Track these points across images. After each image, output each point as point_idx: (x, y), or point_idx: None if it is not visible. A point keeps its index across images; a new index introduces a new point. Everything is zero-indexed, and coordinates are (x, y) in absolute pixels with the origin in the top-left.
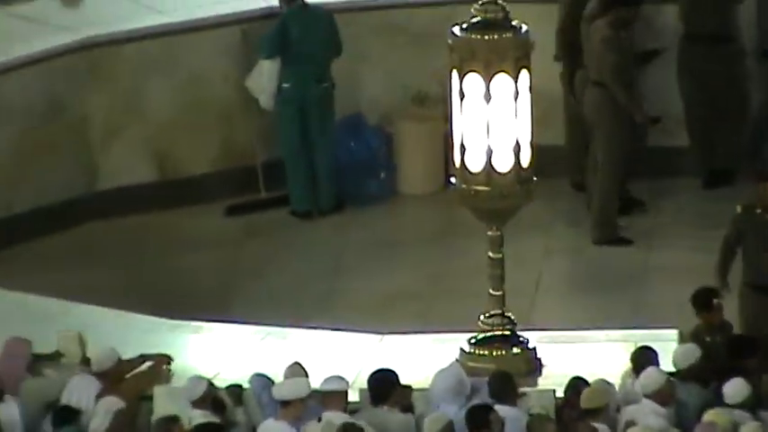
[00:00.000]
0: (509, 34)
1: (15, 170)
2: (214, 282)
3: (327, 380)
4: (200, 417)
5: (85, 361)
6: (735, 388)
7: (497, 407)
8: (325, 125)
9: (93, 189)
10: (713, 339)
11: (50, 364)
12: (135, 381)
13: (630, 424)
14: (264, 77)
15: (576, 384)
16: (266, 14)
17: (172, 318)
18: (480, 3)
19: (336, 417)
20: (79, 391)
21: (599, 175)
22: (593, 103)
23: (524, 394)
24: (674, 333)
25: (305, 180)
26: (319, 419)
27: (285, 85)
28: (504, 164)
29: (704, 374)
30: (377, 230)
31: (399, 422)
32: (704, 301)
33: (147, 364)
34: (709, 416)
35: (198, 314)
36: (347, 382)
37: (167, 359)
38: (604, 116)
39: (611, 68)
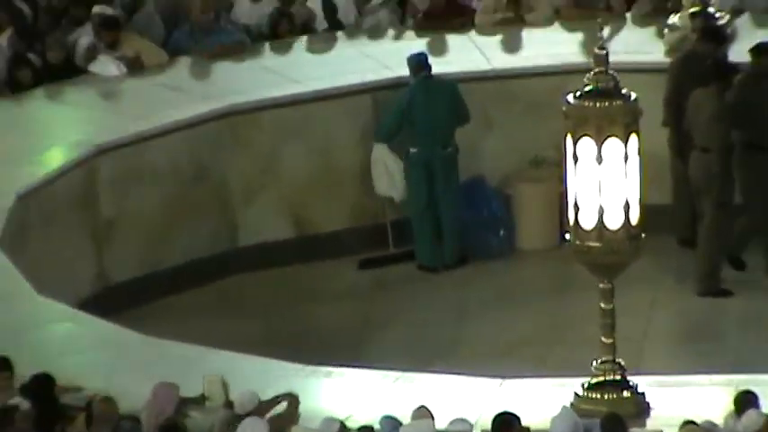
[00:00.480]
0: (619, 102)
1: (164, 229)
2: (346, 330)
3: (453, 422)
4: None
5: (228, 404)
6: None
7: None
8: (449, 186)
9: (236, 245)
10: None
11: (196, 406)
12: (275, 422)
13: None
14: (385, 168)
15: (687, 426)
16: (395, 83)
17: (307, 363)
18: (593, 72)
19: None
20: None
21: (704, 232)
22: (699, 168)
23: None
24: None
25: (430, 237)
26: None
27: (413, 150)
28: (614, 221)
29: None
30: (497, 283)
31: None
32: None
33: (283, 404)
34: None
35: (331, 360)
36: (471, 424)
37: (297, 400)
38: (713, 179)
39: (718, 137)
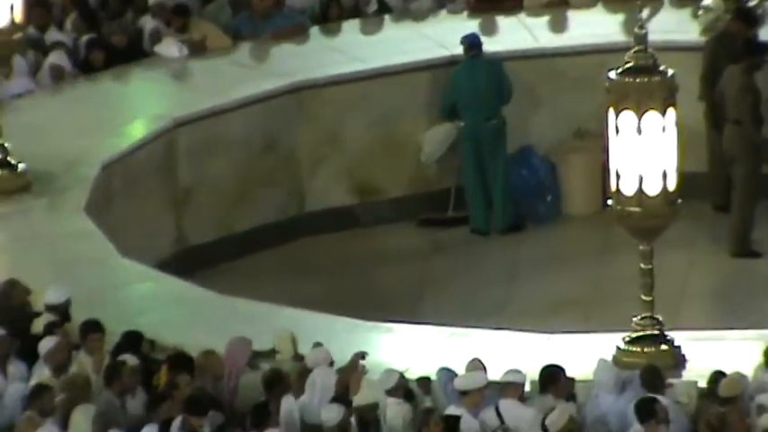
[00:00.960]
0: (657, 78)
1: (237, 195)
2: (405, 289)
3: (506, 373)
4: (393, 404)
5: (297, 357)
6: None
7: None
8: (497, 157)
9: (303, 211)
10: None
11: (267, 360)
12: (341, 374)
13: (762, 410)
14: (436, 140)
15: (717, 377)
16: (450, 62)
17: (369, 320)
18: (633, 51)
19: (511, 405)
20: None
21: (737, 198)
22: (732, 138)
23: (671, 385)
24: None
25: (482, 203)
26: (496, 408)
27: (462, 124)
28: (653, 188)
29: None
30: (545, 246)
31: (563, 408)
32: None
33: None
34: None
35: (392, 317)
36: (523, 375)
37: (362, 354)
38: (742, 149)
39: (748, 109)
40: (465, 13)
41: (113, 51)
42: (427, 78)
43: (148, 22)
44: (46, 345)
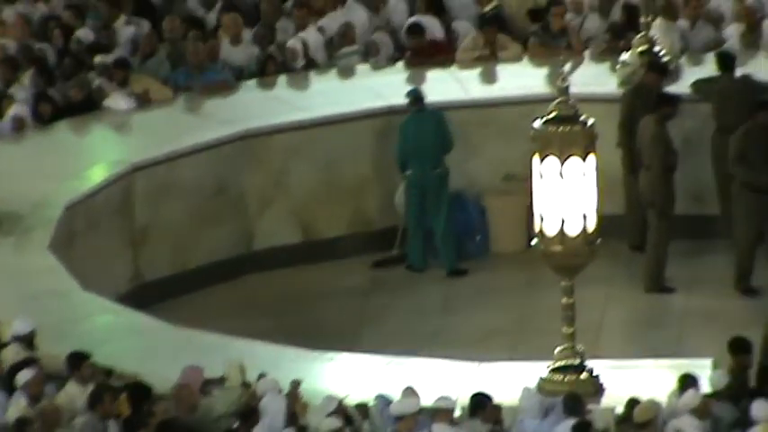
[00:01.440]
0: (578, 126)
1: (190, 235)
2: (347, 322)
3: (438, 399)
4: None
5: (245, 385)
6: (761, 407)
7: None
8: (440, 202)
9: (251, 249)
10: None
11: (217, 386)
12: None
13: None
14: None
15: (632, 403)
16: (388, 111)
17: (312, 350)
18: (556, 102)
19: (442, 429)
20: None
21: (651, 238)
22: (646, 184)
23: (590, 411)
24: (709, 362)
25: (420, 243)
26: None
27: (408, 173)
28: (574, 229)
29: (735, 395)
30: (475, 281)
31: None
32: (739, 347)
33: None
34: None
35: (333, 347)
36: (453, 401)
37: (298, 382)
38: (656, 193)
39: (659, 157)
40: (399, 66)
41: (71, 105)
42: (367, 126)
43: (95, 80)
44: (23, 377)
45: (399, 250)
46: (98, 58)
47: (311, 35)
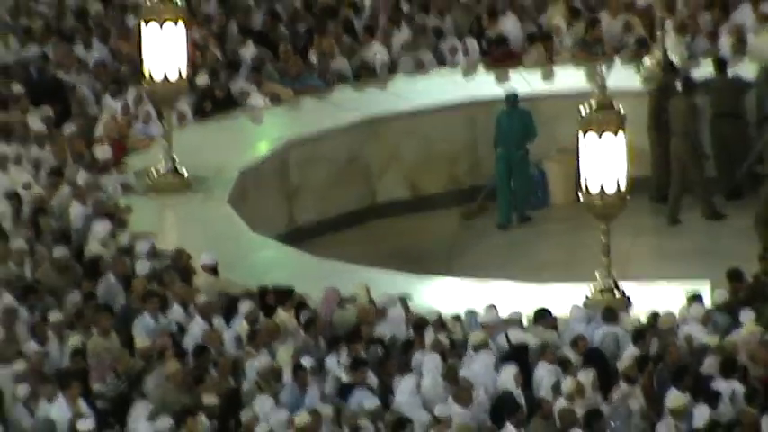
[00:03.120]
0: (612, 112)
1: (328, 192)
2: (442, 256)
3: (511, 313)
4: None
5: (371, 301)
6: (747, 314)
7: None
8: (522, 174)
9: (374, 203)
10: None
11: (349, 302)
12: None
13: (689, 339)
14: None
15: (654, 315)
16: (472, 103)
17: (417, 275)
18: (597, 94)
19: (516, 332)
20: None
21: (695, 179)
22: (680, 145)
23: (621, 319)
24: (709, 284)
25: (507, 206)
26: (506, 334)
27: (499, 150)
28: (610, 187)
29: (731, 308)
30: (537, 223)
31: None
32: (734, 276)
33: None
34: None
35: (432, 273)
36: (521, 313)
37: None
38: (692, 151)
39: (693, 123)
40: (480, 67)
41: (216, 102)
42: (457, 113)
43: (240, 83)
44: (244, 306)
45: (481, 203)
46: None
47: (379, 49)
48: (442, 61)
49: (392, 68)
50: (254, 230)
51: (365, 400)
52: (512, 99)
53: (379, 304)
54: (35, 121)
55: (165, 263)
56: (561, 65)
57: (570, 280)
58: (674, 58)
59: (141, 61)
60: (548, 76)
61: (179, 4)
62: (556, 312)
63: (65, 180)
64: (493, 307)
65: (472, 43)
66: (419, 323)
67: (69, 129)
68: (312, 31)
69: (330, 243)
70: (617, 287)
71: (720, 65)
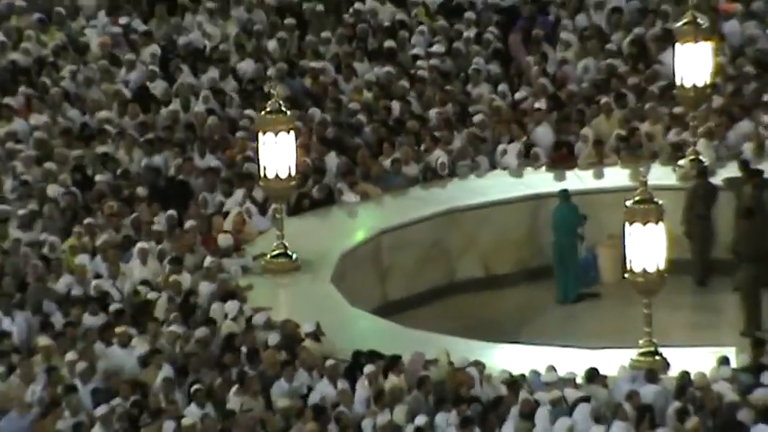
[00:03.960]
0: (653, 205)
1: (415, 272)
2: (511, 326)
3: (567, 373)
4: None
5: (450, 363)
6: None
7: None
8: (573, 254)
9: (454, 280)
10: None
11: (433, 364)
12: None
13: (719, 395)
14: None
15: (684, 374)
16: (535, 197)
17: (490, 342)
18: (639, 190)
19: (572, 391)
20: None
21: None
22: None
23: (661, 379)
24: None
25: (562, 285)
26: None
27: (555, 239)
28: (651, 267)
29: (754, 370)
30: (591, 300)
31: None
32: (757, 343)
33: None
34: None
35: (502, 341)
36: (575, 374)
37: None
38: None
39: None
40: (543, 169)
41: (312, 200)
42: (522, 205)
43: (339, 183)
44: (369, 368)
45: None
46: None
47: (442, 154)
48: (493, 165)
49: (451, 172)
50: (353, 305)
51: None
52: (565, 195)
53: (459, 365)
54: (160, 220)
55: (277, 332)
56: (609, 166)
57: (617, 346)
58: (705, 160)
59: (257, 164)
60: (597, 175)
61: (287, 113)
62: (605, 372)
63: (184, 268)
64: (552, 368)
65: (517, 148)
66: (510, 383)
67: (190, 224)
68: (382, 139)
69: (417, 315)
70: (657, 352)
71: (745, 165)
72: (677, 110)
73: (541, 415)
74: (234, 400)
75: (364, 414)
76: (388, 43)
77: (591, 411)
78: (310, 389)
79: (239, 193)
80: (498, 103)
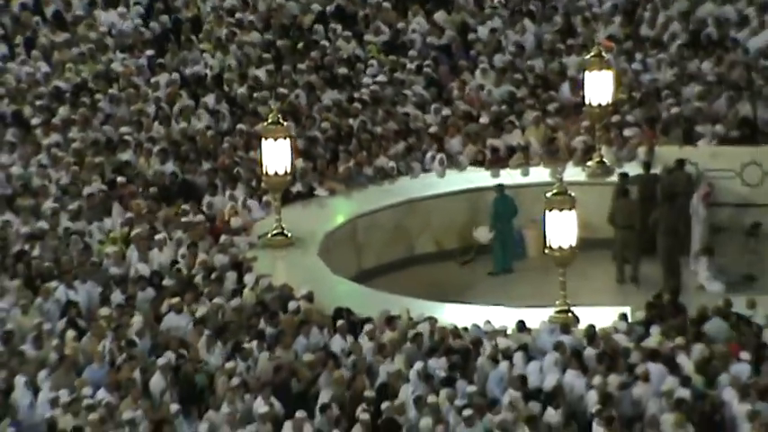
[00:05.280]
0: (566, 196)
1: (384, 248)
2: (454, 291)
3: (499, 325)
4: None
5: (410, 319)
6: (655, 328)
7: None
8: (509, 238)
9: (412, 254)
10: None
11: (396, 320)
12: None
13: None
14: (481, 233)
15: (591, 327)
16: (476, 189)
17: (439, 302)
18: (556, 184)
19: (505, 340)
20: None
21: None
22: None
23: (573, 331)
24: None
25: (500, 260)
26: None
27: (497, 225)
28: (565, 245)
29: (646, 324)
30: (519, 271)
31: None
32: (651, 305)
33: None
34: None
35: (449, 301)
36: (506, 326)
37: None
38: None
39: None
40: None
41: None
42: (464, 197)
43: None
44: (367, 327)
45: (470, 256)
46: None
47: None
48: (425, 169)
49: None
50: (335, 273)
51: (467, 387)
52: (502, 189)
53: (416, 318)
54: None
55: (276, 293)
56: (533, 165)
57: (539, 306)
58: (607, 162)
59: (260, 164)
60: (525, 173)
61: (285, 125)
62: (530, 326)
63: (200, 251)
64: (489, 322)
65: (439, 156)
66: (474, 341)
67: (199, 218)
68: (337, 151)
69: (384, 281)
70: (570, 310)
71: (646, 166)
72: (585, 123)
73: (518, 357)
74: (263, 355)
75: (371, 361)
76: (345, 72)
77: (524, 356)
78: (326, 345)
79: (231, 192)
80: (429, 120)
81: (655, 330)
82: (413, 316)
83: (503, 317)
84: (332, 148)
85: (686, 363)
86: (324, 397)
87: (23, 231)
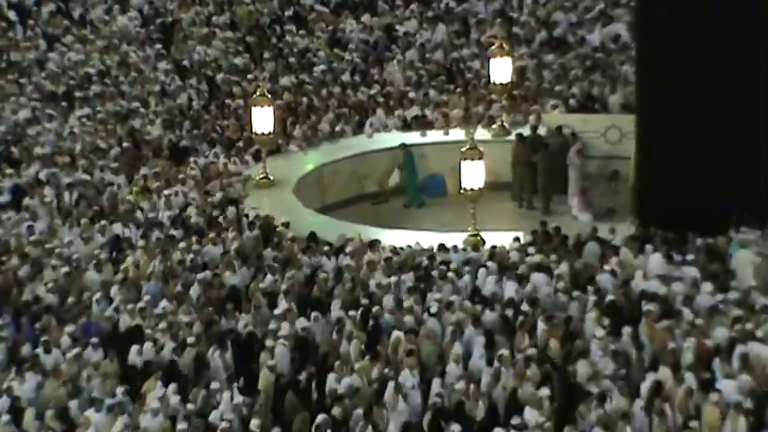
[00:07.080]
0: (476, 150)
1: (343, 187)
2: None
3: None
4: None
5: (361, 240)
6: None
7: None
8: (415, 179)
9: (362, 193)
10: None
11: (351, 241)
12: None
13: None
14: (394, 177)
15: (493, 246)
16: (397, 147)
17: (381, 228)
18: (469, 141)
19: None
20: None
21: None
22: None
23: (481, 248)
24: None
25: (414, 196)
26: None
27: (404, 173)
28: (475, 185)
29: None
30: (439, 204)
31: None
32: (534, 231)
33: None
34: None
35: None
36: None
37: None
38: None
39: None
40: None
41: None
42: (388, 154)
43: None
44: (350, 247)
45: (384, 198)
46: None
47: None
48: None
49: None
50: (305, 207)
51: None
52: (406, 146)
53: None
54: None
55: (261, 221)
56: (455, 128)
57: (456, 231)
58: (506, 125)
59: (251, 126)
60: (447, 133)
61: (269, 96)
62: (447, 245)
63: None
64: (418, 243)
65: (379, 119)
66: (429, 256)
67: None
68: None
69: (342, 213)
70: (478, 234)
71: (534, 129)
72: (492, 96)
73: (482, 273)
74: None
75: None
76: (299, 61)
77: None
78: (320, 266)
79: (214, 151)
80: (361, 97)
81: (533, 250)
82: (363, 238)
83: (430, 239)
84: (290, 117)
85: (564, 271)
86: (336, 306)
87: (67, 181)
